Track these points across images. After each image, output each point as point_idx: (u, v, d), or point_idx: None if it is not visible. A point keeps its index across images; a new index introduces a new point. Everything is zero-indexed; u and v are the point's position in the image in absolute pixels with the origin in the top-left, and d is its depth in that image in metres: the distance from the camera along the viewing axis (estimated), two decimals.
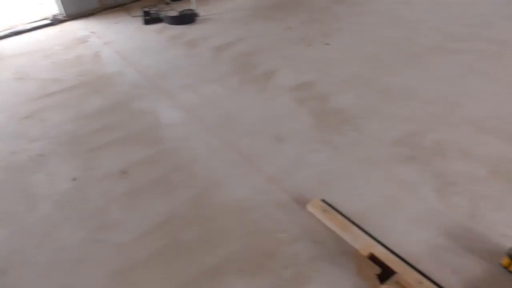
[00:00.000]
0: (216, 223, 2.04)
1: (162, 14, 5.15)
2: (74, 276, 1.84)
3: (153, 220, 2.11)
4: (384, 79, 3.19)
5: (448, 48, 3.53)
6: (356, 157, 2.39)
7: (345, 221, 1.89)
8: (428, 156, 2.32)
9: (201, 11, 5.20)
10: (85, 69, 3.97)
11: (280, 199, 2.14)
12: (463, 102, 2.76)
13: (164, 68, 3.83)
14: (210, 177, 2.36)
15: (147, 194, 2.29)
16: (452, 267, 1.68)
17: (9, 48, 4.75)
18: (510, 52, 3.33)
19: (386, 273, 1.61)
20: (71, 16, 5.55)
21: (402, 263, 1.66)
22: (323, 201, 2.03)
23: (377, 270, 1.62)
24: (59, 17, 5.51)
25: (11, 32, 5.15)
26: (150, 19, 5.09)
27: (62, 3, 5.47)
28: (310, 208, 2.01)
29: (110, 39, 4.70)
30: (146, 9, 5.12)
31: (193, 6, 5.18)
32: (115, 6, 5.85)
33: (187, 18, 4.99)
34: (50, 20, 5.46)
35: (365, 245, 1.75)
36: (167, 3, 5.72)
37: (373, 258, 1.68)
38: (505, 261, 1.63)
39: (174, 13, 5.10)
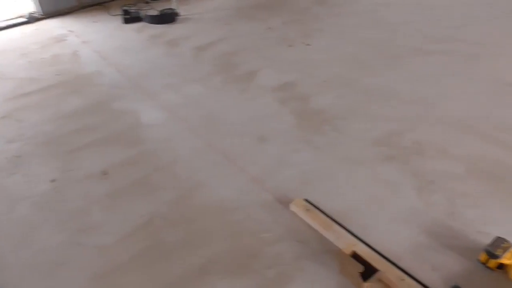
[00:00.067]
0: (199, 224, 2.03)
1: (142, 13, 5.09)
2: (53, 280, 1.80)
3: (135, 221, 2.08)
4: (364, 79, 3.23)
5: (427, 49, 3.61)
6: (337, 157, 2.41)
7: (328, 220, 1.91)
8: (408, 156, 2.36)
9: (182, 10, 5.16)
10: (63, 68, 3.89)
11: (263, 199, 2.14)
12: (441, 103, 2.83)
13: (144, 67, 3.79)
14: (193, 178, 2.35)
15: (128, 195, 2.26)
16: (432, 264, 1.71)
17: None
18: (486, 54, 3.42)
19: (368, 271, 1.64)
20: (48, 14, 5.43)
21: (384, 261, 1.69)
22: (306, 200, 2.04)
23: (360, 268, 1.64)
24: (35, 15, 5.38)
25: None
26: (130, 18, 5.02)
27: (39, 1, 5.34)
28: (293, 207, 2.03)
29: (89, 38, 4.61)
30: (126, 8, 5.06)
31: (173, 5, 5.14)
32: (94, 5, 5.75)
33: (167, 18, 4.94)
34: (26, 18, 5.33)
35: (347, 244, 1.77)
36: (147, 2, 5.65)
37: (355, 256, 1.71)
38: (482, 257, 1.67)
39: (154, 12, 5.05)
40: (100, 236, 2.02)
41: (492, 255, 1.63)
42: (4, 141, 2.82)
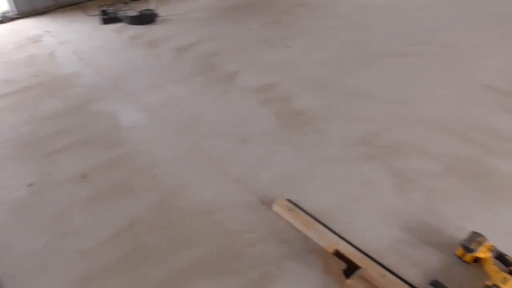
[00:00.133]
0: (182, 226, 2.03)
1: (121, 13, 5.04)
2: (35, 285, 1.77)
3: (117, 224, 2.07)
4: (343, 81, 3.28)
5: (403, 51, 3.69)
6: (318, 157, 2.44)
7: (310, 219, 1.94)
8: (387, 155, 2.41)
9: (161, 11, 5.13)
10: (40, 69, 3.82)
11: (246, 200, 2.16)
12: (417, 103, 2.90)
13: (124, 68, 3.75)
14: (175, 180, 2.34)
15: (109, 198, 2.24)
16: (412, 259, 1.76)
17: None
18: (459, 55, 3.53)
19: (351, 268, 1.67)
20: (23, 13, 5.31)
21: (366, 258, 1.72)
22: (289, 200, 2.07)
23: (343, 265, 1.67)
24: (9, 14, 5.26)
25: None
26: (108, 18, 4.96)
27: (13, 0, 5.21)
28: (276, 208, 2.05)
29: (66, 38, 4.54)
30: (104, 8, 5.00)
31: (152, 6, 5.10)
32: (71, 5, 5.66)
33: (146, 18, 4.91)
34: (0, 17, 5.19)
35: (330, 243, 1.80)
36: (126, 3, 5.60)
37: (338, 254, 1.74)
38: (459, 251, 1.73)
39: (133, 13, 5.00)
40: (82, 240, 1.99)
41: (468, 249, 1.69)
42: None
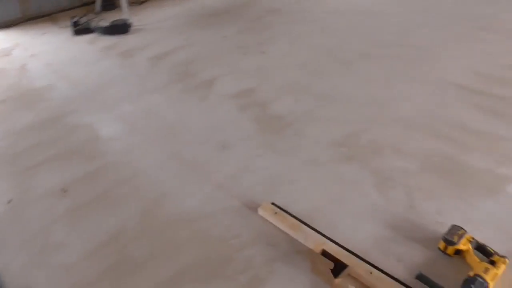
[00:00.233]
0: (167, 235, 2.02)
1: (93, 24, 4.97)
2: None
3: (100, 237, 2.03)
4: (319, 84, 3.34)
5: (375, 54, 3.78)
6: (299, 160, 2.48)
7: (296, 221, 1.96)
8: (365, 155, 2.47)
9: (134, 21, 5.08)
10: (11, 83, 3.72)
11: (231, 205, 2.16)
12: (392, 104, 2.98)
13: (99, 80, 3.70)
14: (157, 189, 2.33)
15: (91, 211, 2.20)
16: (396, 255, 1.80)
17: None
18: (428, 56, 3.64)
19: (338, 267, 1.70)
20: None
21: (352, 256, 1.75)
22: (273, 204, 2.08)
23: (330, 265, 1.70)
24: None
25: None
26: (80, 29, 4.88)
27: None
28: (261, 212, 2.06)
29: (37, 51, 4.44)
30: (76, 20, 4.91)
31: (125, 15, 5.06)
32: (40, 16, 5.53)
33: (120, 28, 4.85)
34: None
35: (316, 243, 1.82)
36: (97, 13, 5.53)
37: (325, 254, 1.76)
38: (441, 245, 1.78)
39: (106, 23, 4.94)
40: (65, 255, 1.95)
41: (449, 242, 1.75)
42: None
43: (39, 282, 1.81)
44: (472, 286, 1.56)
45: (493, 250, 1.73)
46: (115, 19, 5.02)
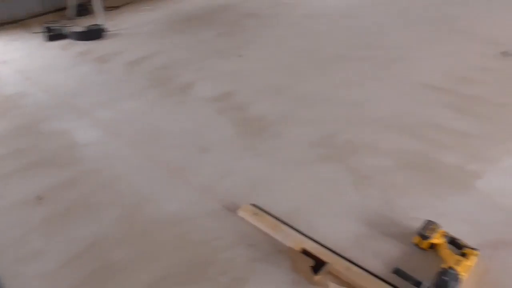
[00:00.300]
0: (148, 239, 2.01)
1: (67, 30, 4.90)
2: None
3: (80, 244, 2.01)
4: (296, 86, 3.39)
5: (350, 56, 3.86)
6: (278, 161, 2.51)
7: (276, 221, 1.99)
8: (343, 154, 2.52)
9: (109, 26, 5.04)
10: None
11: (211, 208, 2.18)
12: (367, 104, 3.05)
13: (74, 86, 3.66)
14: (137, 194, 2.32)
15: (69, 218, 2.18)
16: (373, 251, 1.85)
17: None
18: (400, 58, 3.75)
19: (318, 264, 1.73)
20: None
21: (331, 254, 1.80)
22: (253, 205, 2.11)
23: (311, 262, 1.73)
24: None
25: None
26: (53, 35, 4.81)
27: None
28: (241, 213, 2.08)
29: (9, 57, 4.35)
30: (48, 25, 4.84)
31: (100, 21, 5.01)
32: (12, 22, 5.42)
33: (94, 34, 4.81)
34: None
35: (296, 242, 1.86)
36: (71, 19, 5.45)
37: (305, 252, 1.80)
38: (416, 239, 1.84)
39: (79, 29, 4.88)
40: (42, 264, 1.92)
41: (423, 237, 1.81)
42: None
43: None
44: (445, 277, 1.62)
45: (464, 243, 1.80)
46: (89, 24, 4.97)
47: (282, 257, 1.84)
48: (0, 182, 2.47)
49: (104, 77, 3.81)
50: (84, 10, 5.67)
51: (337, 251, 1.83)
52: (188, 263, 1.87)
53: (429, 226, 1.85)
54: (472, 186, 2.21)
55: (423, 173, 2.32)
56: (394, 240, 1.90)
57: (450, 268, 1.66)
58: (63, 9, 5.71)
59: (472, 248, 1.77)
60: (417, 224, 1.89)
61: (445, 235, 1.83)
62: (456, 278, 1.63)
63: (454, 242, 1.82)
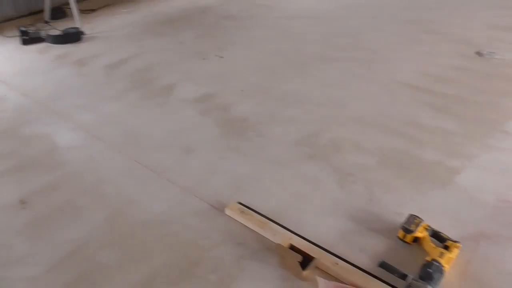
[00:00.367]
0: (136, 241, 2.00)
1: (43, 33, 4.80)
2: None
3: (65, 248, 1.98)
4: (278, 87, 3.42)
5: (330, 57, 3.92)
6: (263, 160, 2.53)
7: (263, 219, 2.01)
8: (326, 153, 2.56)
9: (87, 29, 4.96)
10: None
11: (198, 208, 2.18)
12: (348, 103, 3.11)
13: (53, 89, 3.59)
14: (122, 196, 2.30)
15: (54, 222, 2.14)
16: (359, 246, 1.89)
17: None
18: (380, 59, 3.84)
19: (306, 260, 1.76)
20: None
21: (318, 249, 1.83)
22: (240, 203, 2.12)
23: (299, 258, 1.76)
24: None
25: None
26: (29, 39, 4.70)
27: None
28: (228, 212, 2.09)
29: None
30: (24, 29, 4.73)
31: (77, 24, 4.93)
32: None
33: (72, 37, 4.72)
34: None
35: (284, 238, 1.88)
36: (47, 22, 5.35)
37: (293, 248, 1.82)
38: (400, 233, 1.89)
39: (56, 32, 4.80)
40: (27, 268, 1.88)
41: (407, 231, 1.85)
42: None
43: None
44: (430, 269, 1.67)
45: (446, 236, 1.86)
46: (66, 27, 4.88)
47: (270, 254, 1.85)
48: None
49: (83, 80, 3.76)
50: (60, 13, 5.55)
51: (324, 246, 1.86)
52: (177, 262, 1.86)
53: (413, 220, 1.89)
54: (452, 181, 2.28)
55: (405, 169, 2.39)
56: (379, 235, 1.95)
57: (434, 260, 1.71)
58: (37, 12, 5.58)
59: (454, 241, 1.82)
60: (401, 219, 1.93)
61: (428, 228, 1.89)
62: (440, 270, 1.68)
63: (436, 236, 1.87)
